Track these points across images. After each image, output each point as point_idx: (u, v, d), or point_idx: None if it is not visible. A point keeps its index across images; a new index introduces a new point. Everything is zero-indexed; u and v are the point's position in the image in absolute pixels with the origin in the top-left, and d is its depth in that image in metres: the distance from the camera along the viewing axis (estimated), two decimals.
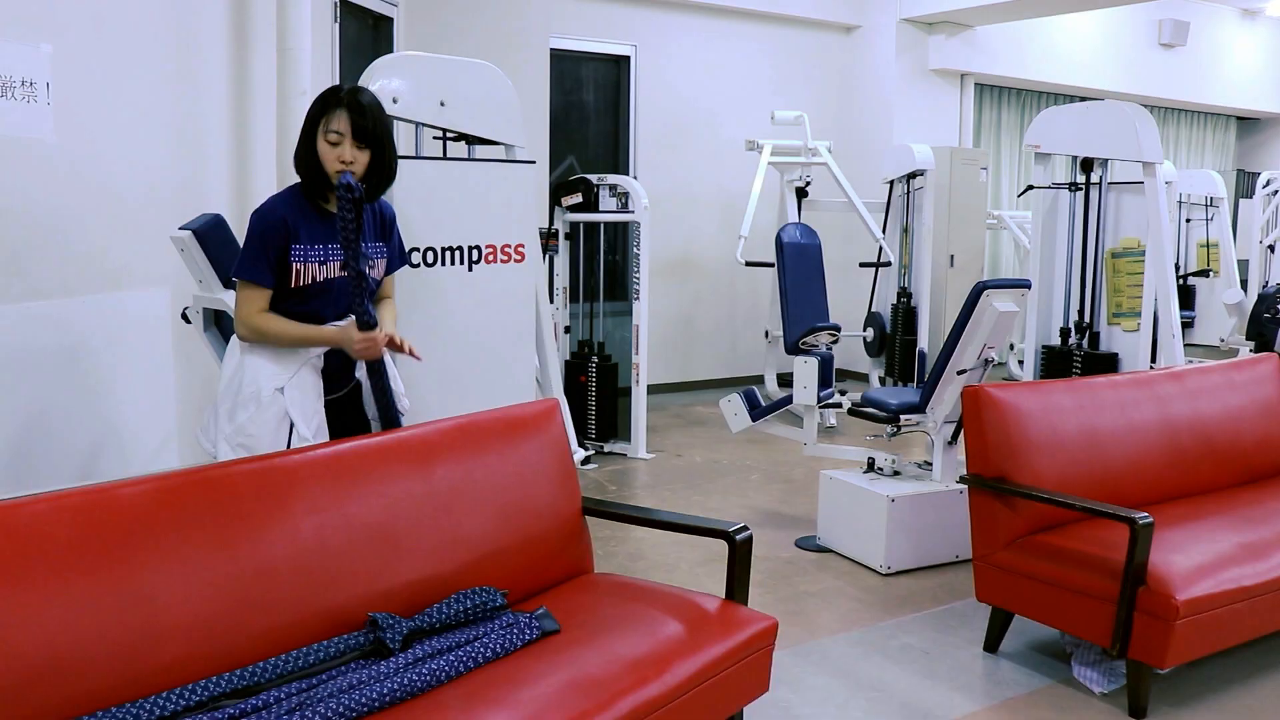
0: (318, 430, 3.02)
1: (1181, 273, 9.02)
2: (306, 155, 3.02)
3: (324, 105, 2.99)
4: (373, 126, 2.97)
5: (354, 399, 3.21)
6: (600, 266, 7.03)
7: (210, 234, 3.88)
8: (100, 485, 2.34)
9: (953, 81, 9.82)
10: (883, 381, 8.13)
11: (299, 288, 3.02)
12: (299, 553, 2.48)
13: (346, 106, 2.96)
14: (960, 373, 4.56)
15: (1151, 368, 5.22)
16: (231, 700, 2.21)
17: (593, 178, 6.72)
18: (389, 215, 3.23)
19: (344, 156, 2.96)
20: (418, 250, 3.63)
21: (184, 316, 4.23)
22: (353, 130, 2.95)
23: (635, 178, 7.95)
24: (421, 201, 3.64)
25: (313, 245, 3.02)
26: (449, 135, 3.96)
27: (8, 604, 2.02)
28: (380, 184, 3.09)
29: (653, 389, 6.91)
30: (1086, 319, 5.47)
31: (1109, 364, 5.35)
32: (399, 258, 3.29)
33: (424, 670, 2.38)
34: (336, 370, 3.13)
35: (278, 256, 2.98)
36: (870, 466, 4.98)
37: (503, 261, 3.83)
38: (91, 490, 2.30)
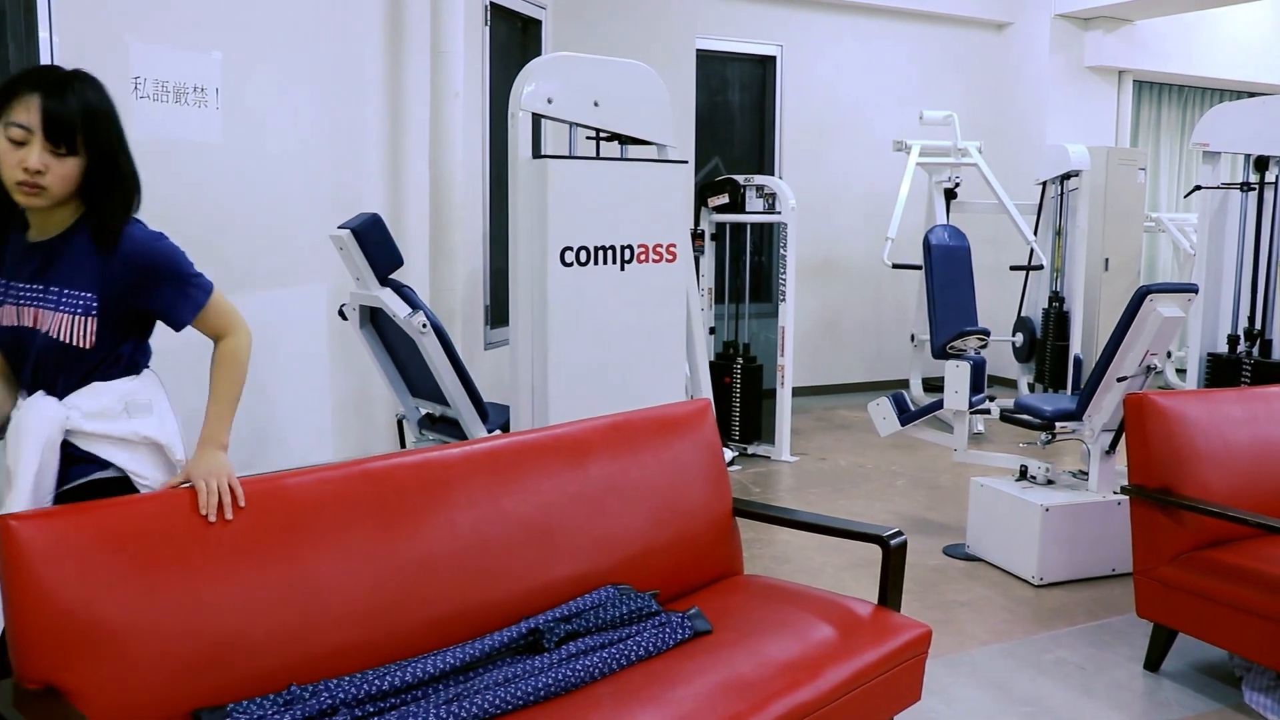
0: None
1: None
2: None
3: (7, 90, 2.06)
4: (83, 121, 2.08)
5: None
6: (745, 268, 7.00)
7: (369, 232, 3.99)
8: (269, 475, 2.42)
9: (1110, 79, 9.49)
10: (1031, 388, 7.90)
11: None
12: (457, 546, 2.52)
13: (39, 88, 2.04)
14: (1120, 380, 4.40)
15: None
16: (392, 693, 2.25)
17: (739, 178, 6.70)
18: (137, 261, 2.21)
19: (29, 163, 2.03)
20: (570, 249, 3.65)
21: (340, 313, 4.36)
22: (45, 124, 2.04)
23: (780, 179, 7.90)
24: (575, 201, 3.67)
25: None
26: (602, 135, 3.98)
27: (186, 585, 2.10)
28: (107, 209, 2.17)
29: (795, 391, 6.85)
30: (1258, 326, 5.21)
31: None
32: (169, 311, 2.30)
33: (578, 666, 2.39)
34: None
35: None
36: (1023, 475, 4.84)
37: (654, 261, 3.84)
38: (261, 480, 2.38)
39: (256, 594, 2.19)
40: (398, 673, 2.27)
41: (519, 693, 2.27)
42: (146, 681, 2.01)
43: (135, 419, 2.23)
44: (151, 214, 3.95)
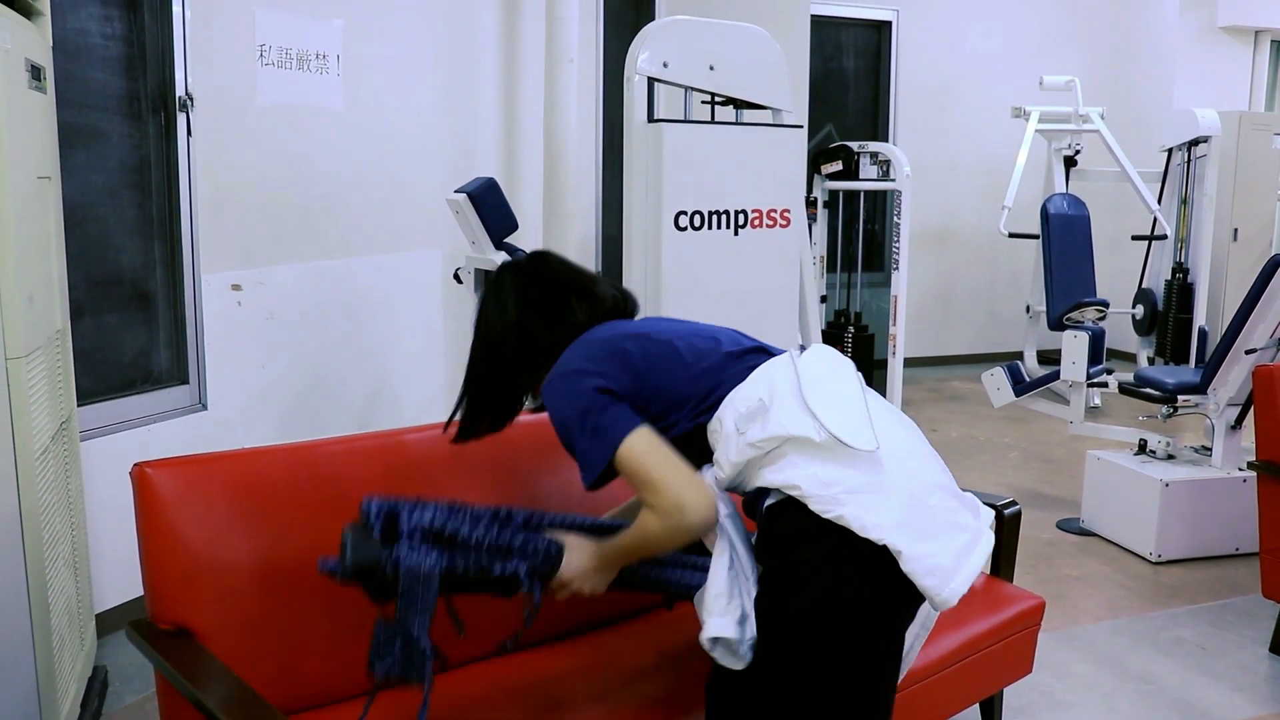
0: None
1: None
2: None
3: None
4: None
5: None
6: (859, 235, 6.92)
7: (484, 196, 4.04)
8: (389, 431, 2.49)
9: (1245, 39, 9.10)
10: (1151, 361, 7.68)
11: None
12: (570, 506, 2.54)
13: None
14: (1249, 352, 4.25)
15: None
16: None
17: (853, 145, 6.62)
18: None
19: None
20: (684, 214, 3.65)
21: (456, 277, 4.43)
22: None
23: (895, 145, 7.77)
24: (689, 165, 3.67)
25: None
26: (717, 100, 3.97)
27: (308, 534, 2.17)
28: None
29: (907, 362, 6.76)
30: None
31: None
32: None
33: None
34: None
35: None
36: (1142, 449, 4.72)
37: (768, 226, 3.83)
38: (381, 435, 2.44)
39: None
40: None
41: None
42: (270, 625, 2.09)
43: (748, 430, 1.79)
44: (275, 177, 4.07)
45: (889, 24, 8.56)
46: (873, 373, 6.67)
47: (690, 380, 1.89)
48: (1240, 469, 4.42)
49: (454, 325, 5.01)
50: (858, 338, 6.61)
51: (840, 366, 1.93)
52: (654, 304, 3.64)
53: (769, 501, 1.79)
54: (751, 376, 1.85)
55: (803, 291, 4.49)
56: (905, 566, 1.64)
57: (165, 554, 2.02)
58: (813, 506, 1.68)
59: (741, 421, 1.79)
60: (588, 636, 2.52)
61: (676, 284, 3.65)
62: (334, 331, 4.43)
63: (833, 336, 6.63)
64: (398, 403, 4.81)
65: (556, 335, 1.98)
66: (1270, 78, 9.42)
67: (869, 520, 1.66)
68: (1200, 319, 7.17)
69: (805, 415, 1.75)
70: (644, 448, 1.80)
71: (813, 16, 7.24)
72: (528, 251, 2.12)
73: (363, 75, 4.42)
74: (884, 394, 6.55)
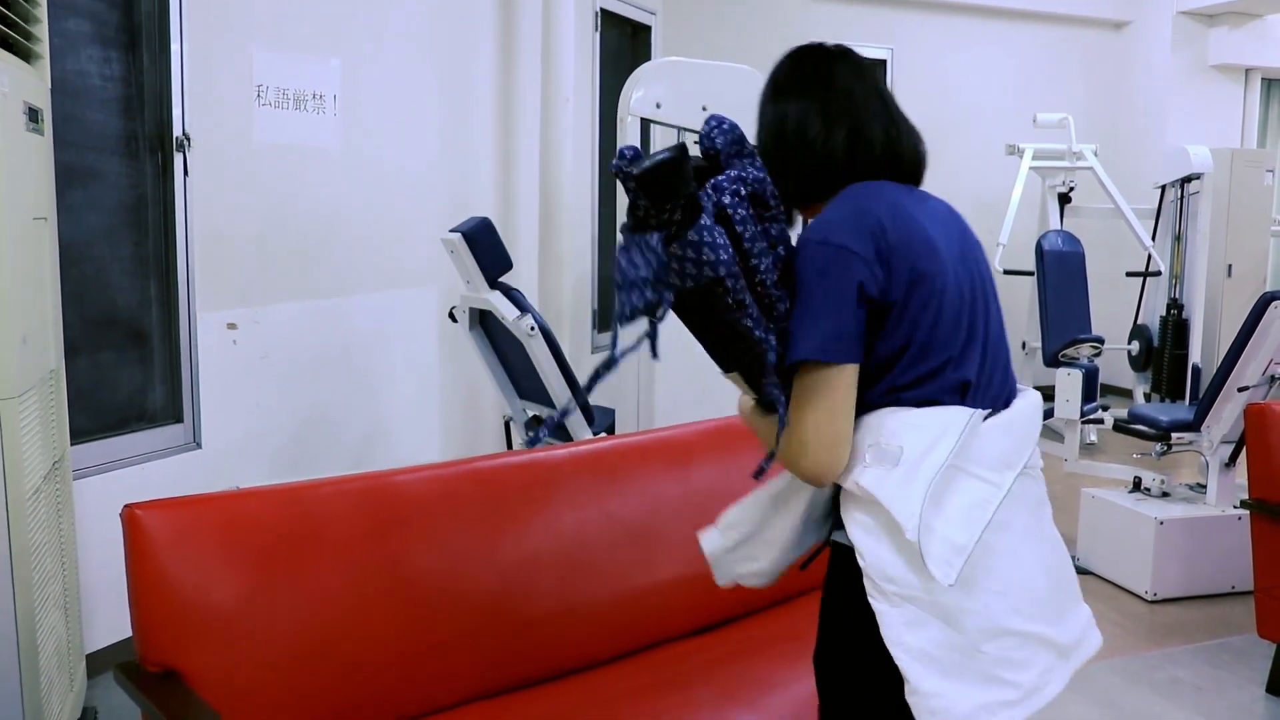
0: None
1: None
2: None
3: None
4: None
5: None
6: None
7: (479, 236, 4.05)
8: (379, 472, 2.49)
9: (1236, 77, 9.18)
10: (1147, 398, 7.68)
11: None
12: (560, 546, 2.55)
13: None
14: (1241, 389, 4.26)
15: None
16: None
17: None
18: None
19: None
20: None
21: (451, 316, 4.44)
22: None
23: None
24: None
25: None
26: None
27: (297, 577, 2.17)
28: None
29: None
30: None
31: None
32: None
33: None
34: None
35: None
36: (1136, 486, 4.72)
37: None
38: (371, 476, 2.44)
39: (364, 587, 2.25)
40: None
41: None
42: (258, 668, 2.08)
43: (870, 466, 1.58)
44: (271, 217, 4.09)
45: (883, 62, 8.62)
46: None
47: (913, 355, 1.61)
48: (1235, 507, 4.42)
49: (450, 364, 5.02)
50: None
51: (1021, 450, 1.67)
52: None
53: (843, 540, 1.63)
54: (922, 414, 1.58)
55: None
56: (908, 696, 1.51)
57: (155, 596, 2.02)
58: (865, 583, 1.55)
59: (871, 454, 1.57)
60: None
61: (673, 323, 3.65)
62: (329, 370, 4.44)
63: None
64: (392, 442, 4.81)
65: (813, 162, 1.75)
66: (1261, 115, 9.49)
67: (900, 636, 1.52)
68: (1195, 355, 7.19)
69: (918, 505, 1.50)
70: (834, 381, 1.56)
71: None
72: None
73: (360, 115, 4.45)
74: None
